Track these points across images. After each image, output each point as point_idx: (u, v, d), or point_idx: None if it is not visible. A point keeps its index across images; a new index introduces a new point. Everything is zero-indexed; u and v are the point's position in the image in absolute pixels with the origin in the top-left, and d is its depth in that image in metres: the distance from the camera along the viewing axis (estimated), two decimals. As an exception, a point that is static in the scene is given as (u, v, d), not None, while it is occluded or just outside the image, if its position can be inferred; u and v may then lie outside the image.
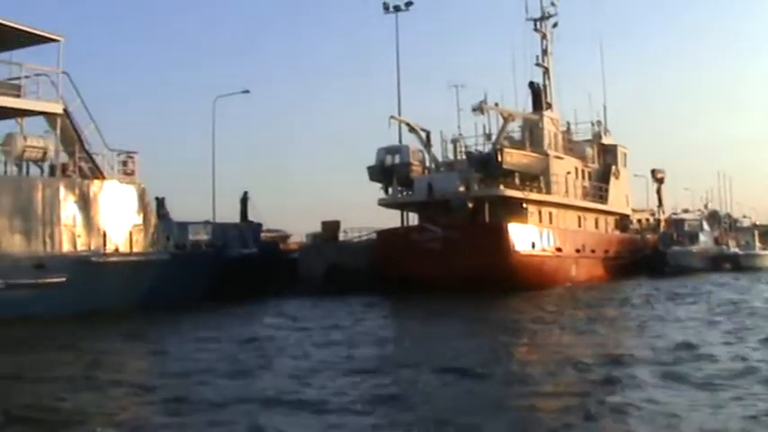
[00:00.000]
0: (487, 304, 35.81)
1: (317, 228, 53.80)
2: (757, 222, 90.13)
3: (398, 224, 52.26)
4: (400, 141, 53.04)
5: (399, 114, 53.85)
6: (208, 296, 36.95)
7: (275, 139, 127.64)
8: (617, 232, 62.57)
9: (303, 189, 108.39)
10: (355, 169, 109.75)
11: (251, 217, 48.39)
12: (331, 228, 51.97)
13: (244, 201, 48.38)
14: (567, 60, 67.50)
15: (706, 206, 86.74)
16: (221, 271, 39.60)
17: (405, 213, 52.87)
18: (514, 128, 54.17)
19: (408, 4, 58.19)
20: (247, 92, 60.34)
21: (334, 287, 44.05)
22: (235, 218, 48.33)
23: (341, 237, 52.49)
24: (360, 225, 53.42)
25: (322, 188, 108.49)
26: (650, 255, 61.60)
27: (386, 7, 58.56)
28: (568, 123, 60.51)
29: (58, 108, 34.59)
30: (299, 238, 57.20)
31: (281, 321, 31.31)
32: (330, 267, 46.86)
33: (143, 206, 37.69)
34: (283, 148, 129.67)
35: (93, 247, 34.63)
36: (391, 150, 50.44)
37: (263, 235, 47.92)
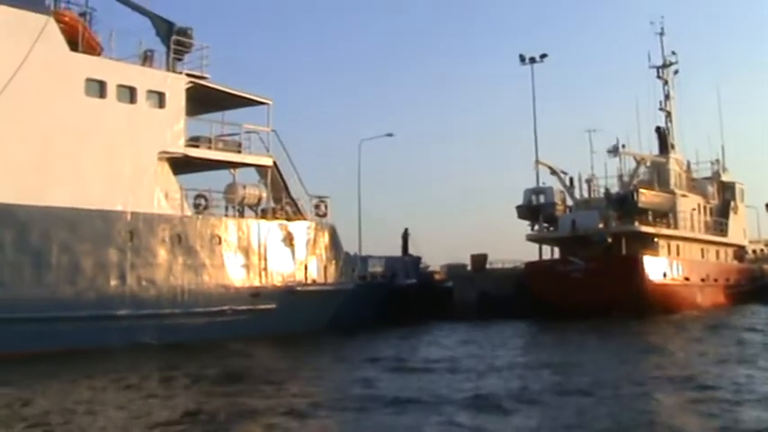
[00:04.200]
0: (630, 327, 40.76)
1: (449, 260, 59.29)
2: None
3: (536, 257, 57.78)
4: (537, 183, 58.55)
5: (537, 156, 59.70)
6: (379, 319, 43.12)
7: (416, 181, 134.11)
8: (735, 262, 67.30)
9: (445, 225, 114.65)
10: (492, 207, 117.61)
11: (410, 251, 53.93)
12: (479, 260, 57.22)
13: (405, 236, 53.97)
14: (687, 102, 72.31)
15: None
16: (391, 298, 45.85)
17: (541, 247, 58.40)
18: (642, 168, 59.23)
19: (543, 56, 63.16)
20: (391, 135, 63.91)
21: (486, 313, 48.81)
22: (380, 251, 52.67)
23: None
24: (497, 257, 59.08)
25: (458, 224, 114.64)
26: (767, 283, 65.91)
27: (522, 59, 63.51)
28: (689, 162, 65.30)
29: (268, 161, 41.23)
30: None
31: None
32: (481, 295, 52.15)
33: (334, 242, 44.10)
34: (422, 190, 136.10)
35: (296, 279, 41.21)
36: (537, 191, 56.29)
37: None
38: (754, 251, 75.60)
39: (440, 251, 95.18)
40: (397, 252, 53.28)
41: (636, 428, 16.20)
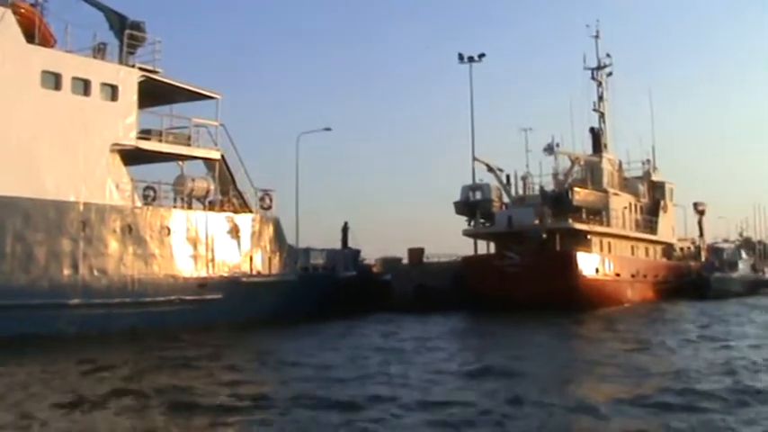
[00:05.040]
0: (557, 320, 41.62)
1: (384, 253, 61.01)
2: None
3: (471, 252, 59.33)
4: (474, 179, 59.82)
5: (473, 153, 61.09)
6: (321, 311, 44.03)
7: (355, 175, 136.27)
8: (664, 259, 69.61)
9: (379, 218, 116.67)
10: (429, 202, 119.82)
11: (349, 244, 54.94)
12: (416, 254, 58.91)
13: (344, 230, 54.94)
14: (620, 103, 74.53)
15: (741, 234, 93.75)
16: (332, 290, 46.95)
17: (476, 242, 59.87)
18: (576, 167, 60.87)
19: (481, 56, 64.03)
20: (329, 129, 63.91)
21: (424, 305, 50.09)
22: (320, 243, 55.02)
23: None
24: (434, 251, 60.99)
25: (395, 217, 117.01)
26: (695, 280, 67.68)
27: (461, 58, 64.38)
28: (620, 162, 67.37)
29: (217, 155, 42.16)
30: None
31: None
32: (419, 288, 53.60)
33: (278, 235, 45.09)
34: (361, 185, 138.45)
35: (242, 270, 42.19)
36: (474, 188, 57.63)
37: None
38: (681, 249, 77.83)
39: (377, 244, 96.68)
40: (337, 245, 54.24)
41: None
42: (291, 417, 16.75)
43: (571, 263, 51.39)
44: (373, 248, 59.00)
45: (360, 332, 37.26)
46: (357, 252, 54.57)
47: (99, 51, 37.54)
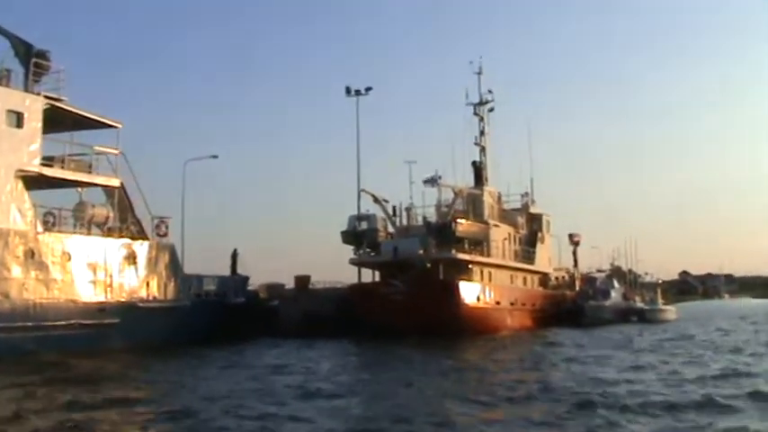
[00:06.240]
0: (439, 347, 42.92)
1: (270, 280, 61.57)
2: (660, 280, 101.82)
3: (356, 280, 61.16)
4: (359, 210, 61.52)
5: (359, 184, 63.12)
6: (211, 336, 45.15)
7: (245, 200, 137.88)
8: (541, 288, 72.48)
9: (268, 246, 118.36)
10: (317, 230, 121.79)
11: (238, 271, 55.93)
12: (303, 281, 60.19)
13: (234, 256, 55.95)
14: (501, 136, 77.35)
15: (612, 264, 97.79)
16: (222, 316, 48.23)
17: (360, 270, 61.74)
18: (458, 199, 62.92)
19: (368, 89, 65.91)
20: (216, 157, 61.85)
21: (311, 331, 51.14)
22: (210, 269, 54.51)
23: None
24: (319, 279, 62.15)
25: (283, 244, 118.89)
26: (571, 308, 71.09)
27: (348, 91, 65.90)
28: (500, 194, 70.10)
29: (116, 182, 43.23)
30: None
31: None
32: (306, 314, 54.92)
33: (173, 261, 46.25)
34: (251, 213, 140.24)
35: (139, 295, 43.29)
36: (361, 218, 59.44)
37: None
38: (557, 278, 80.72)
39: (265, 271, 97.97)
40: (226, 271, 55.38)
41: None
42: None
43: (454, 292, 53.50)
44: (261, 275, 59.70)
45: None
46: (246, 279, 55.71)
47: (3, 78, 38.33)
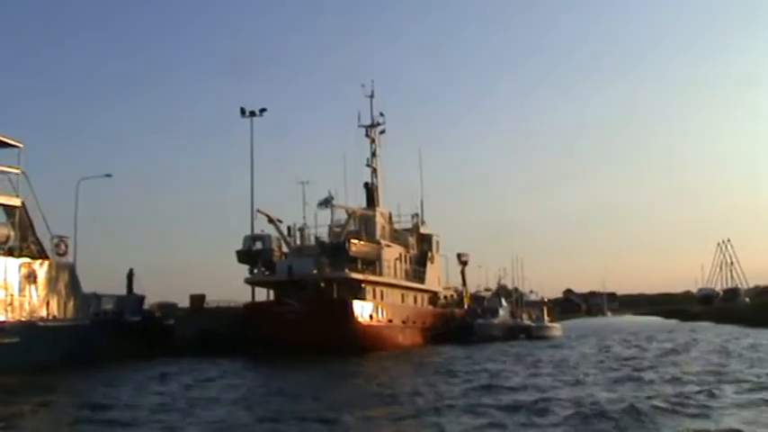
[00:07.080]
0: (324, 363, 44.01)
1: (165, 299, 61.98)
2: (545, 298, 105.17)
3: (249, 299, 62.02)
4: (253, 229, 62.30)
5: (253, 203, 64.09)
6: (110, 354, 46.03)
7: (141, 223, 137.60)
8: (431, 307, 74.44)
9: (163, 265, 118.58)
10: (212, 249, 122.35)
11: (134, 290, 56.68)
12: (198, 299, 60.93)
13: (130, 276, 56.80)
14: (392, 160, 78.87)
15: (499, 282, 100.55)
16: (119, 334, 48.86)
17: (254, 289, 62.57)
18: (351, 219, 64.30)
19: (263, 110, 66.55)
20: (110, 176, 60.96)
21: (207, 349, 52.50)
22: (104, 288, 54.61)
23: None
24: (214, 298, 62.80)
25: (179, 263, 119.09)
26: (461, 325, 73.04)
27: (243, 112, 66.49)
28: (390, 215, 71.76)
29: (17, 202, 43.69)
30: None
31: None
32: (201, 333, 55.92)
33: (73, 281, 46.79)
34: (146, 232, 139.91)
35: (39, 314, 43.77)
36: (256, 238, 60.46)
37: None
38: (446, 297, 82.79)
39: (160, 290, 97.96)
40: (122, 290, 55.89)
41: None
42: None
43: (347, 310, 55.07)
44: (156, 295, 60.12)
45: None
46: (142, 298, 56.55)
47: None
